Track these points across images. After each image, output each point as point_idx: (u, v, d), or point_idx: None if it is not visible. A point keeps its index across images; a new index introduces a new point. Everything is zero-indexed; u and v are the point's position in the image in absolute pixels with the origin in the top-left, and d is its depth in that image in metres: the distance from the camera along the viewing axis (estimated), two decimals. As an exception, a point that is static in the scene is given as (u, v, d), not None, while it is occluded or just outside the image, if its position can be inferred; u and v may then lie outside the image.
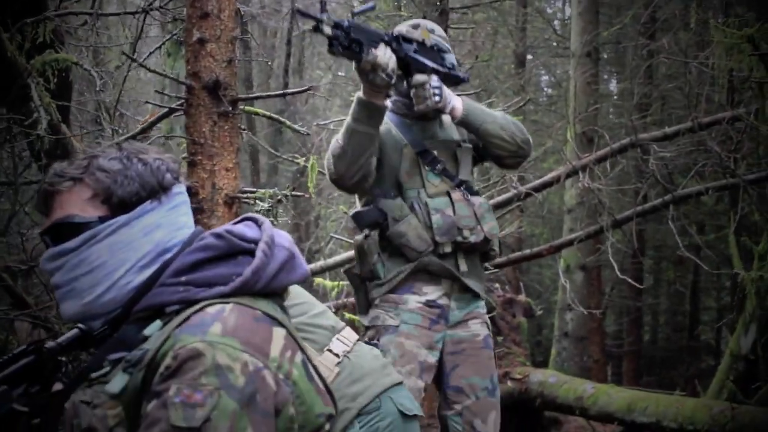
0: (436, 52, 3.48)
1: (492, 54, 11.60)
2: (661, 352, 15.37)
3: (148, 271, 1.62)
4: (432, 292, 3.45)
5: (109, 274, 1.60)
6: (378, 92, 3.23)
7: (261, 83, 12.86)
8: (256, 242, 1.66)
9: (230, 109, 4.28)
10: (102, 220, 1.62)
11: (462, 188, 3.53)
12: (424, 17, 8.39)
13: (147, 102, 4.80)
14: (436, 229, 3.39)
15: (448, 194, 3.48)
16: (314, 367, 1.64)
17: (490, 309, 8.44)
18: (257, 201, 4.29)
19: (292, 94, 5.20)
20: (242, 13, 4.57)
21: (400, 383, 2.81)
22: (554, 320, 11.59)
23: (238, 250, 1.64)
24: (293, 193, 4.29)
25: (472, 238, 3.45)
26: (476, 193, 3.64)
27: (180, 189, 1.73)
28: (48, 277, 1.65)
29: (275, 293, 1.68)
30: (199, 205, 4.20)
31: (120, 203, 1.63)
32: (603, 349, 11.78)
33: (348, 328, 2.85)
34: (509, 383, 7.87)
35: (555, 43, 12.77)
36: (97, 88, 4.30)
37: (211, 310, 1.51)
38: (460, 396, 3.46)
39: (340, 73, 12.39)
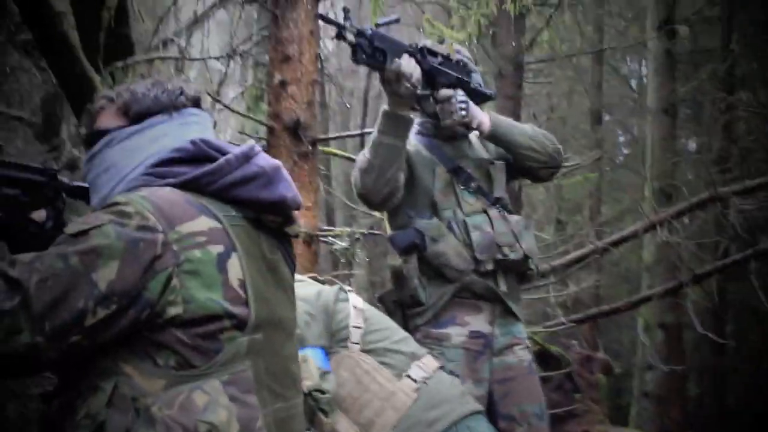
0: (462, 67, 3.42)
1: (568, 112, 11.61)
2: (746, 417, 14.85)
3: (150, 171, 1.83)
4: (475, 321, 3.34)
5: (119, 172, 1.81)
6: (403, 103, 3.15)
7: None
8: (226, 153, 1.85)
9: (310, 149, 4.39)
10: (120, 129, 1.85)
11: (498, 206, 3.44)
12: (500, 72, 8.51)
13: (230, 142, 4.93)
14: (477, 247, 3.30)
15: (485, 212, 3.39)
16: (244, 273, 1.72)
17: (567, 365, 8.35)
18: (335, 239, 4.37)
19: (370, 133, 5.29)
20: (323, 57, 4.71)
21: (479, 412, 2.80)
22: (634, 381, 11.34)
23: (205, 157, 1.80)
24: (371, 231, 4.35)
25: (513, 256, 3.34)
26: (511, 212, 3.52)
27: (196, 113, 1.93)
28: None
29: (238, 201, 1.80)
30: (278, 242, 4.29)
31: (136, 116, 1.86)
32: (684, 411, 11.45)
33: (428, 356, 2.86)
34: (588, 441, 7.73)
35: (632, 102, 12.73)
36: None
37: (147, 192, 1.71)
38: (512, 424, 3.34)
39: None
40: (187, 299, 1.62)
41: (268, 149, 4.43)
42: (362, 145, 4.76)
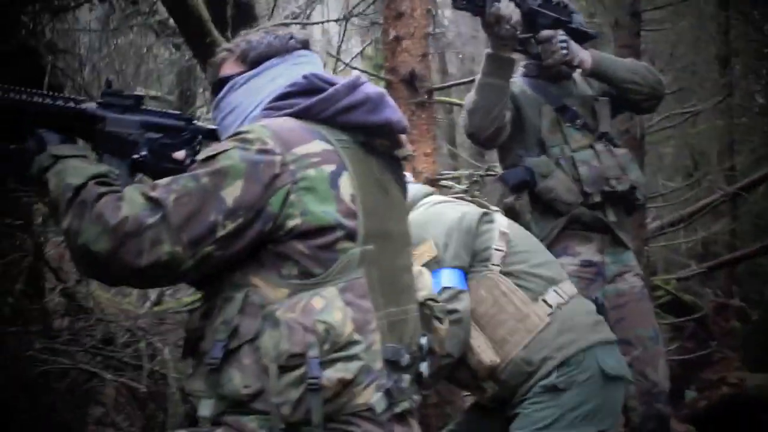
0: (562, 9, 3.51)
1: (695, 59, 11.33)
2: None
3: (267, 111, 2.02)
4: (586, 251, 3.48)
5: (244, 111, 2.03)
6: (505, 45, 3.27)
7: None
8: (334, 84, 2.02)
9: (426, 98, 4.60)
10: (240, 74, 2.06)
11: (604, 140, 3.56)
12: (617, 22, 8.46)
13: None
14: (585, 180, 3.42)
15: (592, 147, 3.51)
16: (355, 189, 1.88)
17: (700, 312, 8.28)
18: (455, 183, 4.57)
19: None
20: (434, 11, 4.90)
21: (611, 342, 2.87)
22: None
23: (316, 88, 1.97)
24: (488, 173, 4.52)
25: (620, 187, 3.46)
26: (617, 145, 3.63)
27: (306, 53, 2.12)
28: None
29: (349, 126, 1.96)
30: (401, 188, 4.53)
31: (253, 61, 2.07)
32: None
33: (567, 282, 2.93)
34: (725, 388, 7.63)
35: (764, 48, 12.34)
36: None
37: (275, 118, 1.94)
38: (628, 348, 3.41)
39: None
40: (304, 212, 1.80)
41: (387, 101, 4.66)
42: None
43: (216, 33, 4.65)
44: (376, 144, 2.01)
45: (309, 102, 1.93)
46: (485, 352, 2.73)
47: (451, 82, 5.49)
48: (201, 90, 5.61)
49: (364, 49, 5.82)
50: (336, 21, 5.49)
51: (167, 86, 6.20)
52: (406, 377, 1.92)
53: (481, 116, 3.35)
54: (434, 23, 5.14)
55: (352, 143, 1.95)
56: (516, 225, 3.05)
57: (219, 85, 2.09)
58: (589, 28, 3.70)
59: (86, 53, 4.97)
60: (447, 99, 5.36)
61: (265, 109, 1.99)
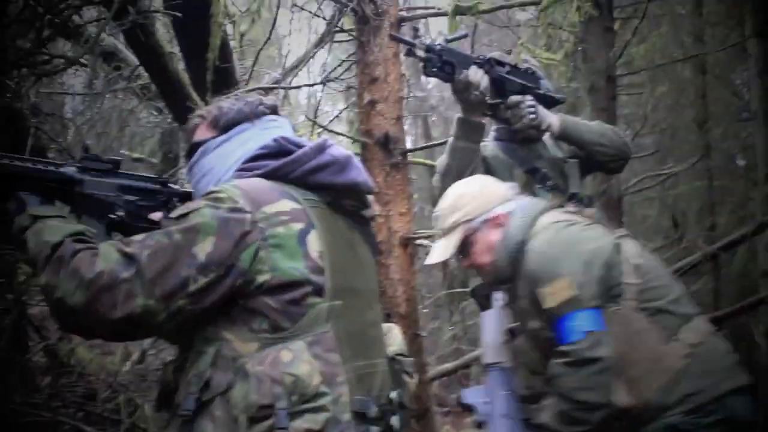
0: (530, 75, 3.62)
1: (673, 122, 11.58)
2: None
3: (245, 172, 2.09)
4: None
5: (216, 174, 2.10)
6: (474, 110, 3.40)
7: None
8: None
9: (400, 160, 4.73)
10: (212, 139, 2.15)
11: (574, 200, 3.57)
12: (592, 86, 8.67)
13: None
14: None
15: (562, 207, 3.50)
16: (322, 247, 1.95)
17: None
18: (430, 241, 4.67)
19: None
20: (414, 77, 5.05)
21: (746, 387, 2.79)
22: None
23: (286, 151, 2.07)
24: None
25: None
26: (588, 205, 3.62)
27: (275, 118, 2.21)
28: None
29: (317, 187, 2.04)
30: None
31: (224, 127, 2.15)
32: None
33: (702, 318, 2.89)
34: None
35: (733, 106, 12.60)
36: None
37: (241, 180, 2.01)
38: None
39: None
40: (273, 268, 1.87)
41: (363, 162, 4.77)
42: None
43: (196, 97, 4.80)
44: (344, 204, 2.10)
45: (278, 163, 2.02)
46: (619, 394, 2.71)
47: (425, 144, 5.65)
48: (183, 153, 5.73)
49: (340, 112, 5.97)
50: (312, 85, 5.66)
51: (150, 148, 6.32)
52: (374, 429, 1.97)
53: (452, 178, 3.40)
54: (411, 88, 5.29)
55: (320, 203, 2.03)
56: (646, 252, 3.01)
57: (192, 149, 2.17)
58: (557, 93, 3.81)
59: (70, 116, 5.10)
60: (422, 161, 5.49)
61: (238, 170, 2.07)
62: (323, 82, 5.41)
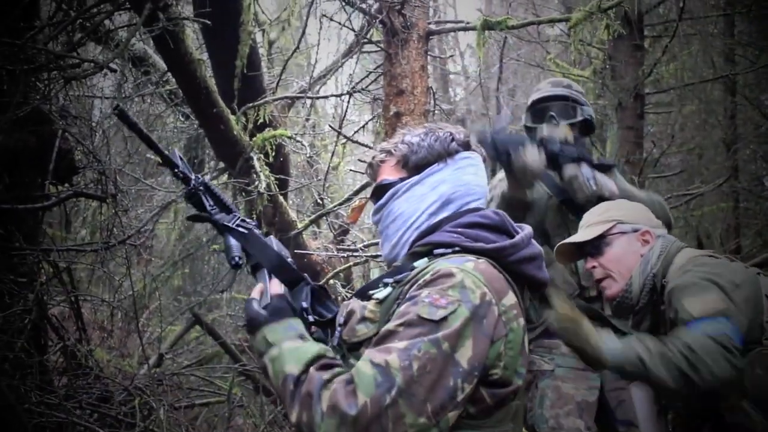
0: (580, 145, 3.62)
1: (701, 143, 11.51)
2: None
3: (434, 218, 2.00)
4: None
5: (407, 220, 2.01)
6: (524, 186, 3.36)
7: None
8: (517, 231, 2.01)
9: (423, 172, 4.73)
10: (402, 180, 2.04)
11: None
12: (620, 104, 8.65)
13: (351, 170, 5.36)
14: (582, 274, 3.47)
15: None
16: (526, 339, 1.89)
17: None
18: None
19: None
20: (434, 90, 5.06)
21: None
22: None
23: (505, 229, 1.97)
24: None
25: None
26: None
27: (468, 155, 2.07)
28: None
29: (520, 276, 1.94)
30: (396, 259, 4.63)
31: (414, 167, 2.03)
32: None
33: None
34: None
35: (762, 127, 12.49)
36: (307, 156, 4.87)
37: (468, 256, 1.85)
38: (631, 429, 3.42)
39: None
40: (506, 365, 1.79)
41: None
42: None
43: (222, 104, 4.83)
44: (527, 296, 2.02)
45: (504, 244, 1.92)
46: None
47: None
48: (208, 159, 5.78)
49: (366, 123, 5.98)
50: (339, 96, 5.68)
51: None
52: None
53: None
54: (438, 100, 5.30)
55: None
56: None
57: (380, 191, 2.07)
58: (608, 160, 3.89)
59: (98, 119, 5.14)
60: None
61: (455, 231, 1.94)
62: (350, 93, 5.43)
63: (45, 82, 4.40)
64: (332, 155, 5.36)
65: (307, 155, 5.19)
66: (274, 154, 4.97)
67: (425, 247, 1.93)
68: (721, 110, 12.08)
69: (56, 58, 4.39)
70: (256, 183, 4.66)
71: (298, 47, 5.54)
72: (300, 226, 5.23)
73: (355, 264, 5.02)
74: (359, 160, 5.62)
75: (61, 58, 4.46)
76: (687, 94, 10.65)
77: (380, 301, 1.87)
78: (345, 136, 5.12)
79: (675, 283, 2.70)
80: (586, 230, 2.99)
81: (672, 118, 11.09)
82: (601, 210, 3.07)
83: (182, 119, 6.03)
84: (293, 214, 5.23)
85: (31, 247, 4.26)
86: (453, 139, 2.05)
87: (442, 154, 2.03)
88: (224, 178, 5.37)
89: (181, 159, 2.15)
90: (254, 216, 4.95)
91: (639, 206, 3.14)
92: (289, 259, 2.15)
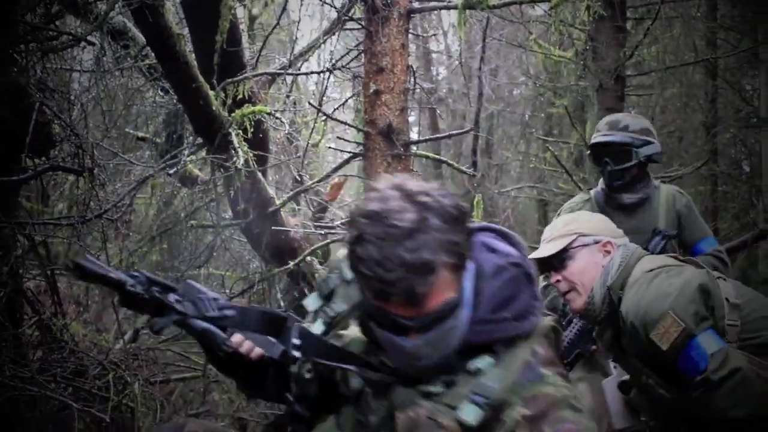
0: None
1: (682, 126, 11.57)
2: None
3: (467, 310, 1.75)
4: None
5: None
6: None
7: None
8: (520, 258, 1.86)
9: (402, 151, 4.74)
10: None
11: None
12: (601, 85, 8.67)
13: (329, 147, 5.35)
14: None
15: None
16: None
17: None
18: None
19: (457, 134, 5.61)
20: (414, 68, 5.06)
21: None
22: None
23: (526, 273, 1.83)
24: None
25: None
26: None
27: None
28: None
29: None
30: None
31: None
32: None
33: None
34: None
35: (742, 111, 12.57)
36: (286, 132, 4.86)
37: (532, 348, 1.75)
38: None
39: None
40: None
41: (365, 153, 4.80)
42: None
43: (201, 79, 4.80)
44: None
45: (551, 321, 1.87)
46: None
47: (430, 136, 5.65)
48: (187, 134, 5.75)
49: (346, 101, 5.98)
50: (318, 73, 5.66)
51: (155, 128, 6.34)
52: None
53: None
54: (419, 79, 5.29)
55: None
56: (744, 289, 2.91)
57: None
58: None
59: (76, 93, 5.11)
60: (426, 153, 5.49)
61: (500, 320, 1.78)
62: (329, 70, 5.42)
63: (22, 54, 4.37)
64: (311, 132, 5.35)
65: (286, 132, 5.16)
66: (252, 130, 4.94)
67: (476, 342, 1.76)
68: (701, 94, 12.11)
69: (34, 30, 4.36)
70: (234, 159, 4.64)
71: (278, 23, 5.52)
72: (278, 203, 5.21)
73: (333, 242, 5.02)
74: (338, 137, 5.62)
75: (39, 31, 4.43)
76: (668, 77, 10.68)
77: (471, 426, 1.69)
78: (324, 113, 5.10)
79: (630, 320, 2.77)
80: (548, 245, 3.02)
81: (653, 100, 11.13)
82: (562, 224, 3.11)
83: (161, 94, 5.99)
84: (272, 191, 5.21)
85: (6, 220, 4.24)
86: None
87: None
88: (203, 153, 5.34)
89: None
90: (232, 192, 4.94)
91: (599, 217, 3.24)
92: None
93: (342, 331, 1.98)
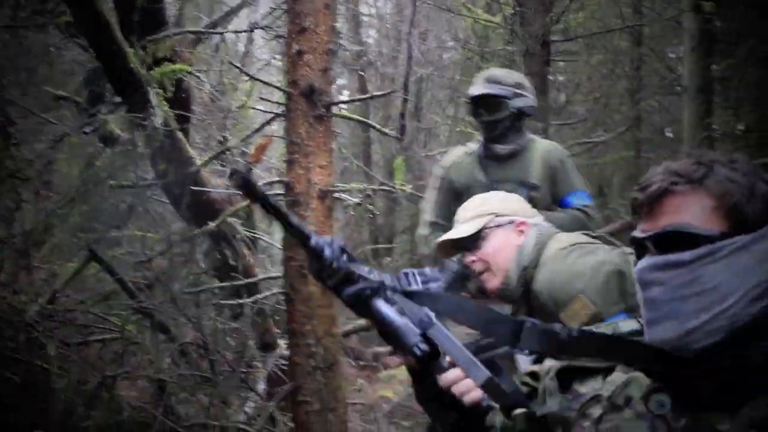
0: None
1: (607, 92, 11.75)
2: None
3: (756, 305, 1.36)
4: None
5: (718, 300, 1.36)
6: None
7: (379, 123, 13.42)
8: None
9: (324, 112, 4.72)
10: (722, 236, 1.37)
11: None
12: (527, 51, 8.76)
13: (252, 108, 5.31)
14: None
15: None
16: None
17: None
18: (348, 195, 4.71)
19: (381, 96, 5.61)
20: (339, 29, 5.03)
21: None
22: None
23: None
24: (381, 187, 4.65)
25: None
26: None
27: None
28: (641, 289, 1.43)
29: None
30: (295, 198, 4.64)
31: (743, 221, 1.38)
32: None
33: None
34: None
35: (674, 84, 12.81)
36: (209, 92, 4.80)
37: None
38: None
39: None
40: None
41: (287, 113, 4.77)
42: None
43: (120, 36, 4.71)
44: None
45: None
46: None
47: (352, 98, 5.64)
48: (109, 93, 5.64)
49: (268, 62, 5.93)
50: (238, 32, 5.59)
51: (74, 87, 6.20)
52: None
53: None
54: (347, 41, 5.27)
55: None
56: None
57: (673, 239, 1.38)
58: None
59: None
60: (349, 115, 5.48)
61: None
62: (251, 29, 5.37)
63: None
64: (234, 93, 5.30)
65: (209, 92, 5.09)
66: (173, 89, 4.88)
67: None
68: (627, 61, 12.31)
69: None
70: (153, 118, 4.58)
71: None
72: (200, 163, 5.17)
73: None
74: (260, 97, 5.58)
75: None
76: (594, 44, 10.84)
77: None
78: (246, 74, 5.05)
79: (542, 299, 2.83)
80: (463, 226, 3.04)
81: (579, 66, 11.26)
82: (475, 204, 3.12)
83: (82, 51, 5.86)
84: (193, 152, 5.16)
85: None
86: None
87: None
88: (123, 113, 5.25)
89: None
90: (150, 150, 4.88)
91: (513, 197, 3.25)
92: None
93: None
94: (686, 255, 1.35)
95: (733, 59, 10.90)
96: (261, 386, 5.98)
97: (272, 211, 1.57)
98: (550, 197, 4.24)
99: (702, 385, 1.38)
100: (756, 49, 10.80)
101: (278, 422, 5.58)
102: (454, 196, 4.22)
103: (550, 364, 1.65)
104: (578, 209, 4.18)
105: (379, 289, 1.60)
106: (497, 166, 4.24)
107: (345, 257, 1.59)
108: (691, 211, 1.37)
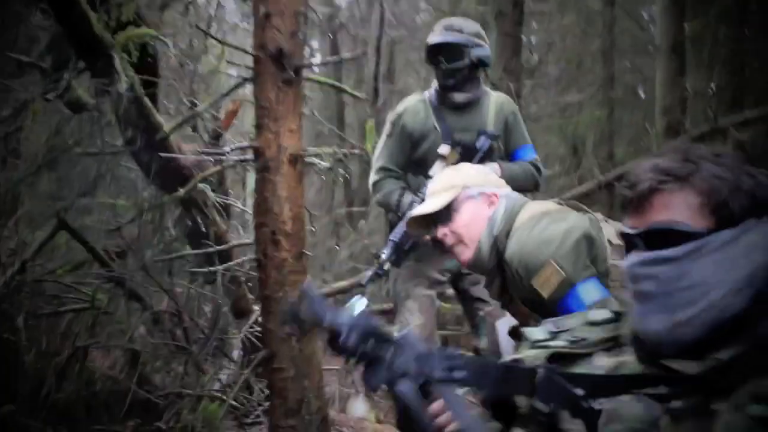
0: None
1: (581, 52, 11.74)
2: None
3: (739, 298, 1.43)
4: None
5: (706, 294, 1.43)
6: None
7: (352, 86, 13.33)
8: None
9: (293, 76, 4.63)
10: (709, 232, 1.45)
11: None
12: (500, 11, 8.70)
13: (223, 72, 5.22)
14: None
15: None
16: None
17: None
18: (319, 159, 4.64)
19: (350, 58, 5.54)
20: None
21: None
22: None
23: None
24: (352, 150, 4.60)
25: None
26: None
27: None
28: (632, 282, 1.53)
29: None
30: (265, 163, 4.57)
31: (729, 216, 1.46)
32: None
33: None
34: None
35: (647, 44, 12.80)
36: (176, 56, 4.71)
37: None
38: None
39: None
40: None
41: (255, 77, 4.69)
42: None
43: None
44: None
45: None
46: None
47: (321, 61, 5.57)
48: (75, 58, 5.52)
49: (236, 25, 5.83)
50: (207, -6, 5.49)
51: (38, 52, 6.07)
52: None
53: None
54: (316, 3, 5.17)
55: None
56: None
57: (661, 236, 1.47)
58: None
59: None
60: (319, 78, 5.41)
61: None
62: (219, -9, 5.25)
63: None
64: (201, 57, 5.20)
65: (176, 56, 5.00)
66: (138, 54, 4.78)
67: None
68: (600, 21, 12.28)
69: None
70: (118, 84, 4.48)
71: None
72: (167, 128, 5.08)
73: (225, 168, 4.93)
74: (227, 61, 5.48)
75: None
76: (567, 4, 10.81)
77: None
78: (213, 37, 4.95)
79: (513, 267, 2.80)
80: (433, 199, 3.04)
81: (552, 27, 11.22)
82: (446, 177, 3.12)
83: (42, 16, 5.73)
84: (160, 117, 5.07)
85: None
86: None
87: (764, 206, 1.47)
88: (86, 78, 5.15)
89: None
90: (117, 116, 4.78)
91: (483, 168, 3.36)
92: None
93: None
94: (676, 251, 1.44)
95: (705, 18, 10.89)
96: (236, 353, 5.95)
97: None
98: (503, 148, 4.38)
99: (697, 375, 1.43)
100: (728, 8, 10.80)
101: (254, 390, 5.56)
102: (408, 142, 4.32)
103: (536, 351, 1.75)
104: (531, 163, 4.35)
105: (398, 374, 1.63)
106: (454, 114, 4.30)
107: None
108: (679, 209, 1.46)
